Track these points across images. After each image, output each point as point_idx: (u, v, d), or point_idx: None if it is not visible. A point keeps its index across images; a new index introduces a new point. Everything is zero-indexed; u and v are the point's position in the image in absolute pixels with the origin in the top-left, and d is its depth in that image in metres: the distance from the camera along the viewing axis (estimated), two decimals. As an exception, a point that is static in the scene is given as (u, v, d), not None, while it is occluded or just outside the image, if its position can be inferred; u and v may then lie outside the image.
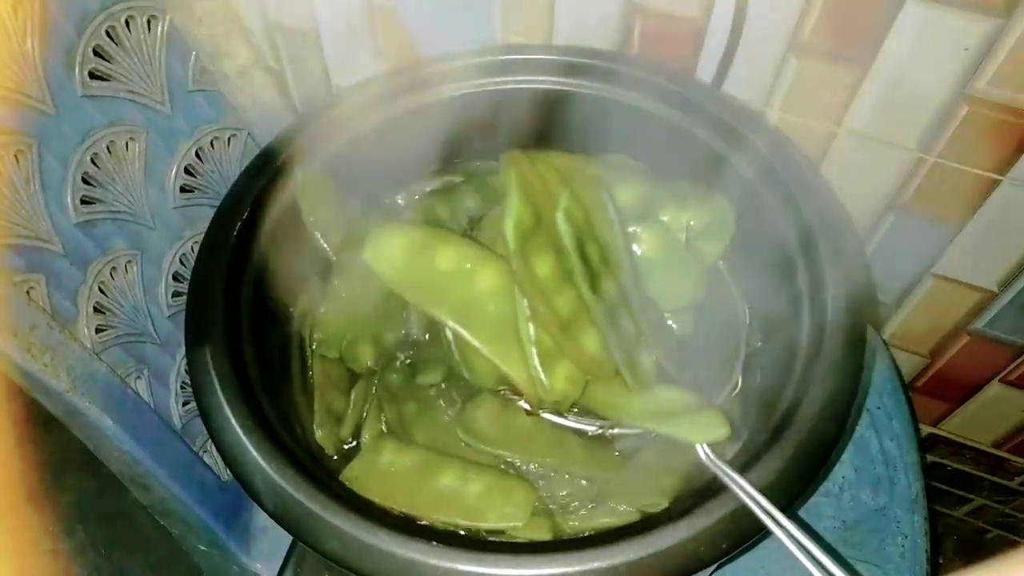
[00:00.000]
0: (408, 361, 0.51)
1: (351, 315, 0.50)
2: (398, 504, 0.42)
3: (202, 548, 0.61)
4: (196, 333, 0.43)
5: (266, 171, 0.50)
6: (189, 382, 0.58)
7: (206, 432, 0.50)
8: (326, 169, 0.52)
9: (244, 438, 0.39)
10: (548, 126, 0.60)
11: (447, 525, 0.42)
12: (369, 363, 0.50)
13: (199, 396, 0.41)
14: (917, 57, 0.51)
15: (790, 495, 0.38)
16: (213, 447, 0.59)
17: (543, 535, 0.42)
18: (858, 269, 0.46)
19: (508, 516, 0.41)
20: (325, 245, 0.52)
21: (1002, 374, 0.73)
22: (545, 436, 0.46)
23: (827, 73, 0.56)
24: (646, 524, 0.37)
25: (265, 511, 0.37)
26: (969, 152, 0.55)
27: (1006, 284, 0.64)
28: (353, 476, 0.43)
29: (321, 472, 0.40)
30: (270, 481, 0.38)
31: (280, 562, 0.61)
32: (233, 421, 0.40)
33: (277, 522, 0.37)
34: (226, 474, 0.60)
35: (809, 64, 0.56)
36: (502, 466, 0.45)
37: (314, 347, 0.49)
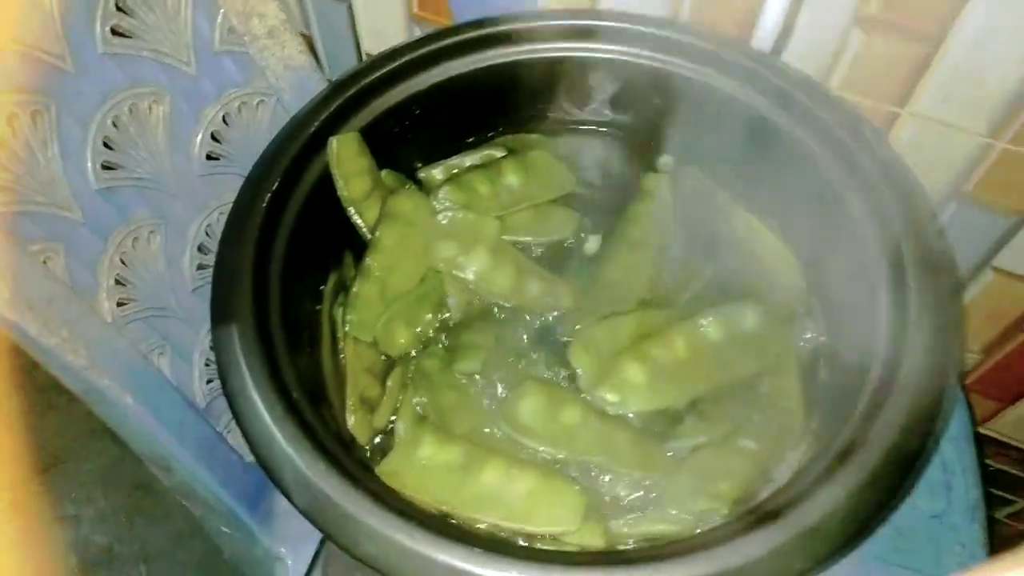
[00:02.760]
0: (446, 346, 0.47)
1: (386, 295, 0.47)
2: (437, 502, 0.39)
3: (224, 530, 0.58)
4: (223, 310, 0.40)
5: (298, 139, 0.47)
6: (213, 359, 0.55)
7: (231, 413, 0.47)
8: (360, 137, 0.49)
9: (273, 427, 0.36)
10: (592, 96, 0.57)
11: (491, 527, 0.39)
12: (404, 347, 0.47)
13: (224, 377, 0.38)
14: (992, 36, 0.47)
15: (870, 515, 0.34)
16: (238, 427, 0.57)
17: (595, 541, 0.39)
18: (946, 264, 0.42)
19: (559, 520, 0.38)
20: (360, 221, 0.49)
21: (1063, 372, 0.69)
22: (593, 432, 0.43)
23: (893, 50, 0.52)
24: (713, 537, 0.34)
25: (295, 507, 0.35)
26: None
27: (1072, 280, 0.60)
28: (390, 470, 0.40)
29: (356, 466, 0.37)
30: (301, 475, 0.35)
31: (306, 545, 0.59)
32: (261, 407, 0.37)
33: (308, 520, 0.34)
34: (251, 455, 0.58)
35: (874, 39, 0.52)
36: (548, 463, 0.42)
37: (347, 329, 0.46)
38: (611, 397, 0.44)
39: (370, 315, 0.47)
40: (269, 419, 0.36)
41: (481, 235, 0.50)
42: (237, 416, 0.37)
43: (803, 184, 0.50)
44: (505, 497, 0.39)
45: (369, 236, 0.49)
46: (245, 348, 0.38)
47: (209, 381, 0.55)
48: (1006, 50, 0.48)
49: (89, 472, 0.95)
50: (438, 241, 0.49)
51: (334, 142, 0.47)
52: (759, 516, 0.35)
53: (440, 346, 0.47)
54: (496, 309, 0.49)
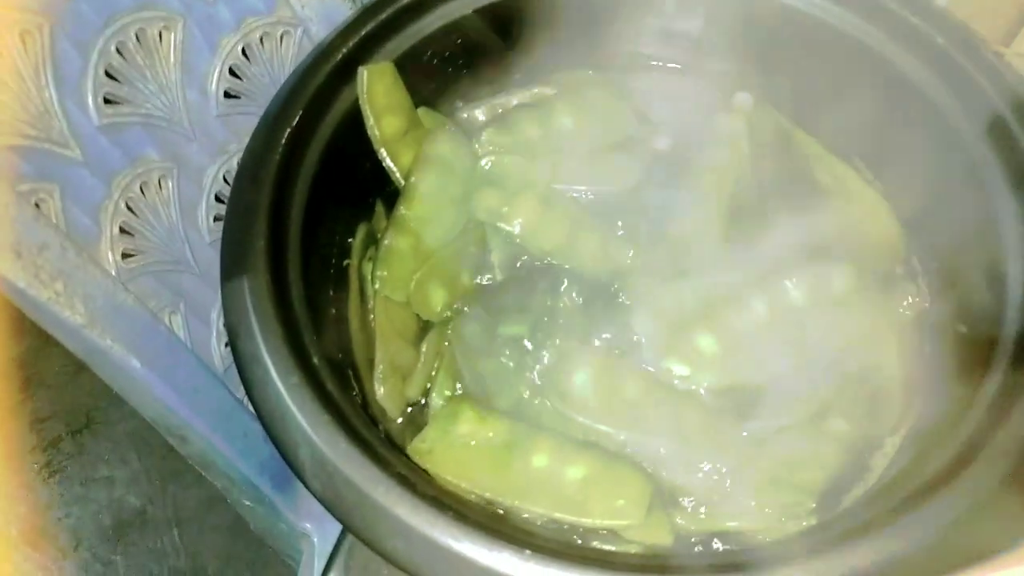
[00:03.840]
0: (488, 308, 0.41)
1: (421, 249, 0.42)
2: (478, 487, 0.33)
3: (247, 503, 0.54)
4: (233, 261, 0.35)
5: (323, 68, 0.41)
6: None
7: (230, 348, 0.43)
8: (394, 67, 0.43)
9: (287, 396, 0.31)
10: (657, 23, 0.50)
11: (541, 518, 0.33)
12: (441, 309, 0.41)
13: (233, 338, 0.33)
14: None
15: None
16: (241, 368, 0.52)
17: (662, 538, 0.33)
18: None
19: (620, 512, 0.33)
20: (392, 165, 0.43)
21: None
22: (659, 409, 0.37)
23: None
24: (802, 546, 0.27)
25: (310, 491, 0.29)
26: None
27: None
28: (425, 449, 0.34)
29: (383, 445, 0.31)
30: (318, 454, 0.30)
31: (332, 522, 0.54)
32: (273, 373, 0.32)
33: (326, 507, 0.29)
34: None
35: None
36: (605, 445, 0.36)
37: (376, 287, 0.40)
38: (680, 369, 0.38)
39: (403, 271, 0.41)
40: (283, 388, 0.31)
41: (529, 183, 0.44)
42: (246, 382, 0.32)
43: (905, 119, 0.44)
44: (557, 484, 0.34)
45: (403, 182, 0.43)
46: (257, 304, 0.33)
47: (228, 343, 0.50)
48: None
49: (122, 433, 0.94)
50: (481, 189, 0.43)
51: (364, 73, 0.41)
52: (854, 525, 0.29)
53: (481, 308, 0.41)
54: (546, 267, 0.43)
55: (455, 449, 0.35)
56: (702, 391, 0.39)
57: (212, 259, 0.48)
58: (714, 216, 0.45)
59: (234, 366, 0.49)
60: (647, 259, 0.43)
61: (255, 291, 0.33)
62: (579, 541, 0.33)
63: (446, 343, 0.40)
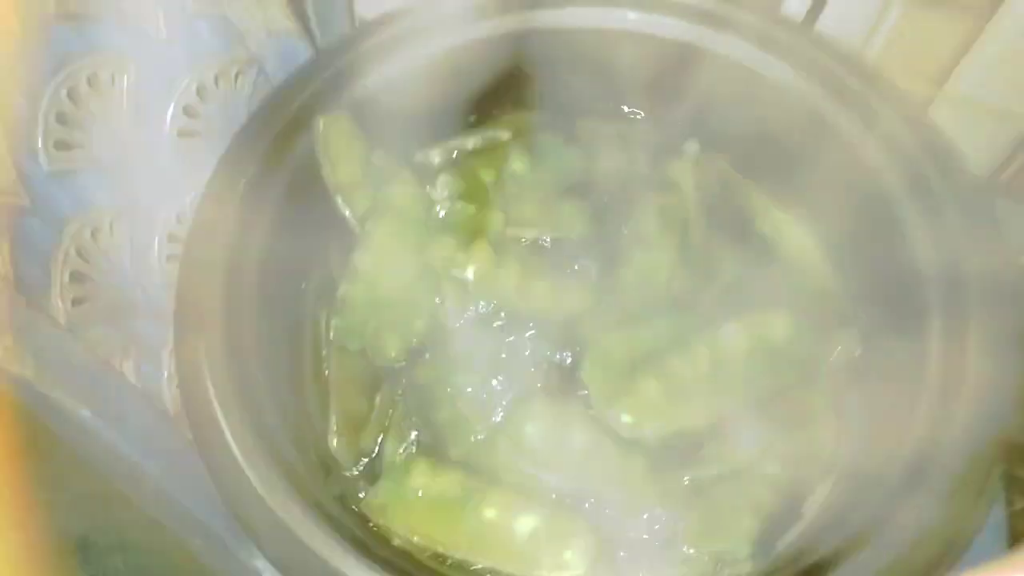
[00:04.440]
0: (441, 356, 0.42)
1: (376, 298, 0.42)
2: (432, 541, 0.34)
3: (197, 541, 0.54)
4: (188, 320, 0.35)
5: (279, 116, 0.41)
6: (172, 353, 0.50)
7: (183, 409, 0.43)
8: (352, 117, 0.43)
9: (241, 459, 0.32)
10: (607, 71, 0.51)
11: (492, 571, 0.34)
12: (395, 357, 0.42)
13: (188, 401, 0.34)
14: None
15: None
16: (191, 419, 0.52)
17: None
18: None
19: (567, 564, 0.34)
20: (348, 212, 0.43)
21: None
22: (605, 458, 0.38)
23: (936, 25, 0.48)
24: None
25: (265, 558, 0.30)
26: None
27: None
28: (378, 504, 0.35)
29: (337, 507, 0.32)
30: (273, 520, 0.30)
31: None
32: (228, 436, 0.32)
33: (281, 573, 0.30)
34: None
35: (916, 12, 0.48)
36: (553, 495, 0.38)
37: (332, 336, 0.41)
38: (626, 418, 0.40)
39: (358, 320, 0.42)
40: (237, 451, 0.32)
41: (482, 230, 0.45)
42: (199, 442, 0.33)
43: (841, 176, 0.46)
44: (507, 536, 0.35)
45: (358, 229, 0.44)
46: (212, 365, 0.33)
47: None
48: None
49: (63, 457, 0.92)
50: (434, 237, 0.44)
51: (321, 123, 0.42)
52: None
53: (434, 356, 0.42)
54: (498, 314, 0.44)
55: (408, 503, 0.36)
56: (646, 438, 0.40)
57: (163, 299, 0.48)
58: (661, 263, 0.47)
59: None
60: (596, 305, 0.45)
61: (210, 351, 0.34)
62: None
63: (399, 393, 0.41)
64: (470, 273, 0.44)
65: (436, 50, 0.46)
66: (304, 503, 0.31)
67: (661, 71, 0.50)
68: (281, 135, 0.41)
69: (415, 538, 0.35)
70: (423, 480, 0.36)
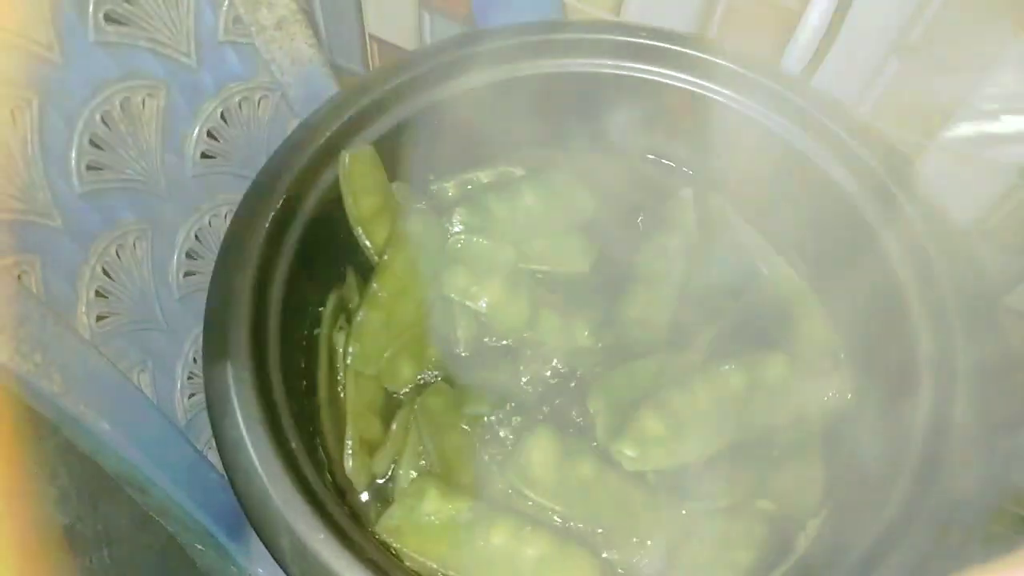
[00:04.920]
0: (453, 384, 0.44)
1: (392, 324, 0.44)
2: (441, 564, 0.36)
3: (198, 547, 0.55)
4: (216, 347, 0.36)
5: (305, 150, 0.43)
6: (197, 372, 0.51)
7: (212, 432, 0.44)
8: (374, 151, 0.45)
9: (268, 484, 0.33)
10: (616, 115, 0.54)
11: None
12: (409, 383, 0.43)
13: (216, 424, 0.35)
14: None
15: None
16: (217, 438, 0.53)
17: None
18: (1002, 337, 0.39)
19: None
20: (368, 242, 0.45)
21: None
22: (609, 490, 0.40)
23: (929, 81, 0.50)
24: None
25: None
26: None
27: (1085, 325, 0.59)
28: (392, 527, 0.37)
29: (356, 530, 0.33)
30: (298, 542, 0.32)
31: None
32: (256, 461, 0.33)
33: (304, 594, 0.31)
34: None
35: (911, 68, 0.50)
36: (558, 521, 0.39)
37: (349, 362, 0.43)
38: (630, 452, 0.42)
39: (375, 346, 0.43)
40: (264, 476, 0.33)
41: (496, 263, 0.46)
42: (228, 465, 0.34)
43: (834, 224, 0.48)
44: (514, 562, 0.37)
45: (376, 259, 0.45)
46: (240, 392, 0.35)
47: (192, 395, 0.51)
48: None
49: (53, 448, 0.91)
50: (450, 268, 0.45)
51: (347, 158, 0.43)
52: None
53: (447, 384, 0.44)
54: (509, 346, 0.46)
55: (420, 527, 0.37)
56: (648, 472, 0.42)
57: (179, 314, 0.50)
58: (662, 299, 0.49)
59: (196, 417, 0.51)
60: (603, 340, 0.47)
61: (238, 378, 0.35)
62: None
63: (413, 419, 0.42)
64: (483, 305, 0.45)
65: (456, 90, 0.48)
66: (325, 525, 0.32)
67: (668, 117, 0.52)
68: (306, 169, 0.43)
69: (426, 561, 0.36)
70: (434, 505, 0.38)
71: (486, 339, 0.46)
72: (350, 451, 0.40)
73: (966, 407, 0.37)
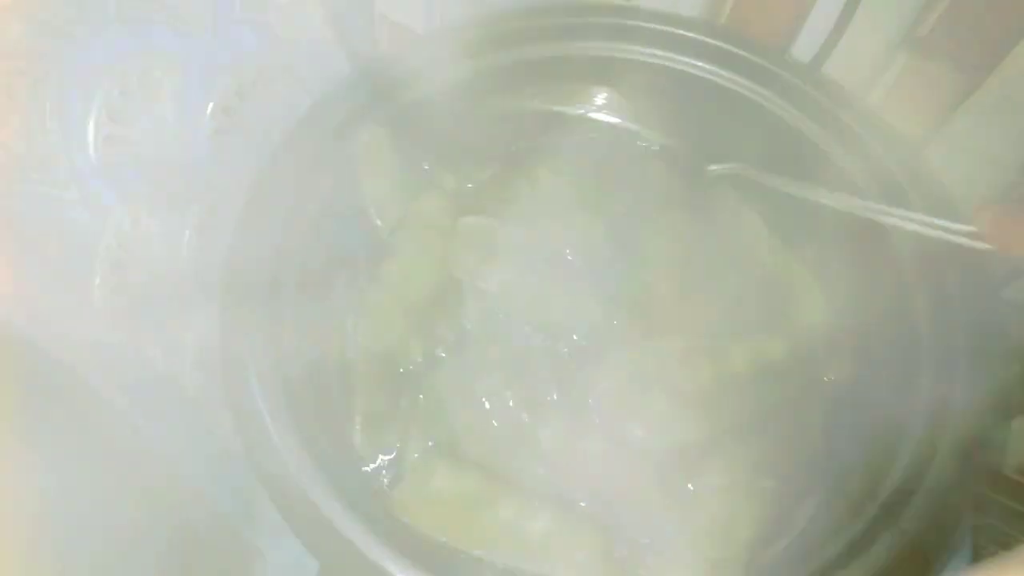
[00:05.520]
0: (462, 361, 0.45)
1: (402, 303, 0.44)
2: (451, 538, 0.37)
3: (207, 521, 0.56)
4: (235, 319, 0.37)
5: (322, 127, 0.43)
6: (206, 344, 0.52)
7: (223, 405, 0.45)
8: (389, 133, 0.45)
9: (287, 460, 0.34)
10: (628, 101, 0.54)
11: (508, 565, 0.37)
12: (419, 358, 0.44)
13: (235, 397, 0.36)
14: None
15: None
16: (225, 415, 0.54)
17: None
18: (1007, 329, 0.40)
19: (579, 565, 0.37)
20: (379, 222, 0.45)
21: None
22: (616, 466, 0.41)
23: (938, 74, 0.50)
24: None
25: (308, 551, 0.32)
26: None
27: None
28: (403, 502, 0.38)
29: (373, 503, 0.34)
30: (314, 515, 0.33)
31: (285, 540, 0.57)
32: (275, 438, 0.34)
33: (321, 564, 0.32)
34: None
35: (920, 62, 0.50)
36: (565, 497, 0.40)
37: (359, 338, 0.43)
38: (636, 429, 0.42)
39: (384, 324, 0.44)
40: (282, 448, 0.34)
41: (504, 243, 0.47)
42: (247, 442, 0.35)
43: (839, 210, 0.49)
44: (522, 536, 0.38)
45: (387, 238, 0.46)
46: (259, 368, 0.36)
47: (200, 370, 0.51)
48: None
49: (49, 427, 0.91)
50: (460, 248, 0.46)
51: (364, 135, 0.44)
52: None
53: (456, 361, 0.45)
54: (518, 324, 0.46)
55: (430, 502, 0.38)
56: (654, 450, 0.43)
57: (189, 290, 0.50)
58: (668, 279, 0.50)
59: (204, 390, 0.51)
60: (610, 320, 0.47)
61: (255, 351, 0.36)
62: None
63: (421, 396, 0.43)
64: (492, 284, 0.46)
65: (466, 73, 0.49)
66: (340, 496, 0.33)
67: (678, 103, 0.53)
68: (323, 146, 0.43)
69: (437, 534, 0.37)
70: (443, 482, 0.39)
71: (495, 318, 0.46)
72: (358, 426, 0.40)
73: (964, 393, 0.38)
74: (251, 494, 0.57)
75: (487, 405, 0.43)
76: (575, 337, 0.46)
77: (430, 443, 0.42)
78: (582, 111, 0.54)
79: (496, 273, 0.46)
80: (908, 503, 0.36)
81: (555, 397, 0.43)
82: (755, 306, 0.50)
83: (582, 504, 0.40)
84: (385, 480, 0.41)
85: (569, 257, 0.50)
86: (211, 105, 0.48)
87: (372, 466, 0.42)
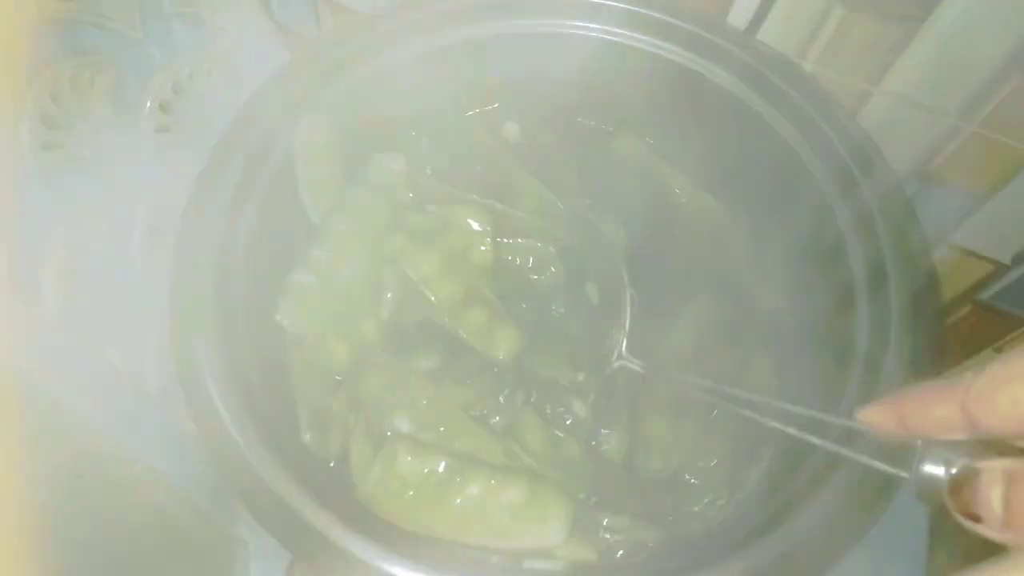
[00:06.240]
0: (395, 351, 0.44)
1: (332, 289, 0.44)
2: (422, 526, 0.37)
3: (183, 515, 0.57)
4: (185, 320, 0.37)
5: (261, 119, 0.43)
6: (167, 344, 0.52)
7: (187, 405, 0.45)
8: (328, 121, 0.46)
9: (244, 451, 0.35)
10: (561, 79, 0.54)
11: (480, 547, 0.38)
12: (346, 362, 0.44)
13: (189, 395, 0.36)
14: (973, 22, 0.48)
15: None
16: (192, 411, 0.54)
17: (587, 554, 0.39)
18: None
19: (547, 533, 0.38)
20: (313, 209, 0.45)
21: (998, 344, 0.72)
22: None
23: (873, 29, 0.51)
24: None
25: (274, 537, 0.33)
26: (1011, 124, 0.52)
27: (1021, 258, 0.62)
28: (368, 493, 0.38)
29: (333, 490, 0.35)
30: (278, 503, 0.34)
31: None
32: (232, 431, 0.35)
33: (288, 550, 0.33)
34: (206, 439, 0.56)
35: (855, 17, 0.51)
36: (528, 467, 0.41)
37: (286, 326, 0.43)
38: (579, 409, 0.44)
39: (307, 308, 0.43)
40: (242, 443, 0.35)
41: (438, 237, 0.46)
42: (205, 434, 0.35)
43: (778, 172, 0.50)
44: (490, 513, 0.38)
45: (321, 223, 0.46)
46: (211, 363, 0.36)
47: (162, 368, 0.52)
48: (984, 36, 0.48)
49: (23, 428, 0.91)
50: (391, 233, 0.45)
51: (303, 122, 0.44)
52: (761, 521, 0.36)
53: (387, 356, 0.44)
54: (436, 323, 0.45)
55: (394, 492, 0.38)
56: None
57: (144, 290, 0.50)
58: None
59: (168, 387, 0.52)
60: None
61: (208, 352, 0.36)
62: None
63: (358, 393, 0.43)
64: (419, 273, 0.44)
65: (406, 55, 0.49)
66: (304, 488, 0.34)
67: (608, 72, 0.53)
68: (263, 139, 0.43)
69: (405, 523, 0.37)
70: (407, 467, 0.38)
71: (416, 313, 0.45)
72: (305, 424, 0.41)
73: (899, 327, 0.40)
74: (226, 492, 0.58)
75: (426, 388, 0.42)
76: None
77: (387, 433, 0.41)
78: (515, 85, 0.54)
79: (425, 263, 0.44)
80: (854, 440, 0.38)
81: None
82: (685, 264, 0.51)
83: (544, 472, 0.42)
84: (350, 473, 0.41)
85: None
86: (148, 103, 0.48)
87: (333, 463, 0.42)
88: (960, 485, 0.21)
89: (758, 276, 0.51)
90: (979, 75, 0.50)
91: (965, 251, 0.63)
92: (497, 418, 0.42)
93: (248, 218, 0.42)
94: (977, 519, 0.21)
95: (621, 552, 0.40)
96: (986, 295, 0.67)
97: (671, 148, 0.54)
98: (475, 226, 0.46)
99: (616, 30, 0.51)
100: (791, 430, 0.31)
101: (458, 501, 0.38)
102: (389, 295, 0.45)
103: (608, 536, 0.39)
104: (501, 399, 0.42)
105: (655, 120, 0.54)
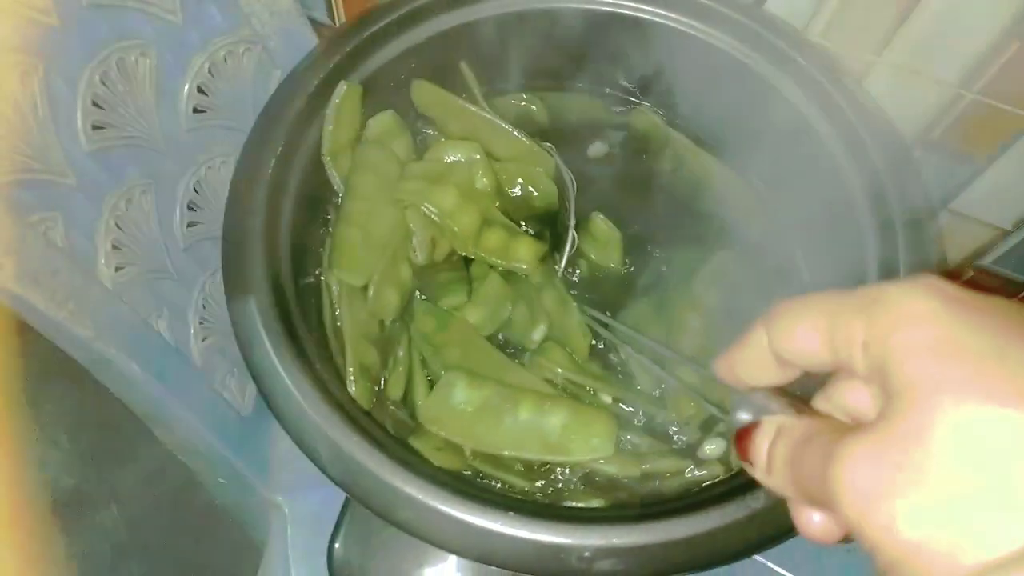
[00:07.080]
0: (428, 296, 0.48)
1: (370, 241, 0.46)
2: (480, 443, 0.41)
3: (221, 481, 0.59)
4: (238, 283, 0.40)
5: (299, 97, 0.46)
6: (207, 317, 0.55)
7: (224, 370, 0.48)
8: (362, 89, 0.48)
9: (302, 401, 0.37)
10: (577, 49, 0.57)
11: (532, 462, 0.41)
12: (398, 308, 0.47)
13: (246, 353, 0.39)
14: None
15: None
16: (231, 382, 0.57)
17: (632, 470, 0.42)
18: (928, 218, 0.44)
19: (595, 449, 0.41)
20: (334, 172, 0.48)
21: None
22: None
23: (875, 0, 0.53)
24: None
25: (332, 480, 0.36)
26: (1010, 91, 0.53)
27: (1021, 223, 0.64)
28: (431, 416, 0.42)
29: (384, 434, 0.38)
30: (335, 448, 0.36)
31: (301, 493, 0.61)
32: (288, 383, 0.37)
33: (346, 491, 0.36)
34: (246, 408, 0.59)
35: None
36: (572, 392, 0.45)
37: (331, 269, 0.46)
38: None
39: (355, 259, 0.46)
40: (298, 395, 0.37)
41: (448, 175, 0.50)
42: (263, 390, 0.38)
43: (787, 138, 0.52)
44: (542, 431, 0.41)
45: (342, 186, 0.48)
46: (266, 323, 0.39)
47: (204, 338, 0.54)
48: (983, 4, 0.49)
49: (51, 415, 0.92)
50: (407, 180, 0.49)
51: (342, 88, 0.46)
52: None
53: (427, 297, 0.48)
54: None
55: (455, 413, 0.42)
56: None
57: (187, 264, 0.53)
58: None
59: (211, 359, 0.54)
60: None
61: (262, 310, 0.39)
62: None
63: (409, 343, 0.47)
64: (440, 206, 0.48)
65: (424, 34, 0.51)
66: (356, 431, 0.37)
67: (616, 42, 0.56)
68: (301, 115, 0.46)
69: (466, 441, 0.41)
70: (465, 393, 0.42)
71: (443, 248, 0.49)
72: (352, 377, 0.43)
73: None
74: (264, 454, 0.61)
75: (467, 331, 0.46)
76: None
77: (441, 371, 0.45)
78: (526, 55, 0.57)
79: (442, 198, 0.48)
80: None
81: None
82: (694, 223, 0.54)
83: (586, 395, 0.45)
84: (388, 423, 0.44)
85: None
86: (187, 84, 0.50)
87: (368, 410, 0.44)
88: (750, 432, 0.24)
89: (771, 235, 0.53)
90: (978, 43, 0.51)
91: (966, 217, 0.65)
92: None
93: (291, 191, 0.44)
94: (751, 464, 0.24)
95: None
96: (987, 260, 0.69)
97: (681, 115, 0.57)
98: (475, 155, 0.50)
99: (627, 3, 0.53)
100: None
101: (511, 423, 0.41)
102: (415, 239, 0.48)
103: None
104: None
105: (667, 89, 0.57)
